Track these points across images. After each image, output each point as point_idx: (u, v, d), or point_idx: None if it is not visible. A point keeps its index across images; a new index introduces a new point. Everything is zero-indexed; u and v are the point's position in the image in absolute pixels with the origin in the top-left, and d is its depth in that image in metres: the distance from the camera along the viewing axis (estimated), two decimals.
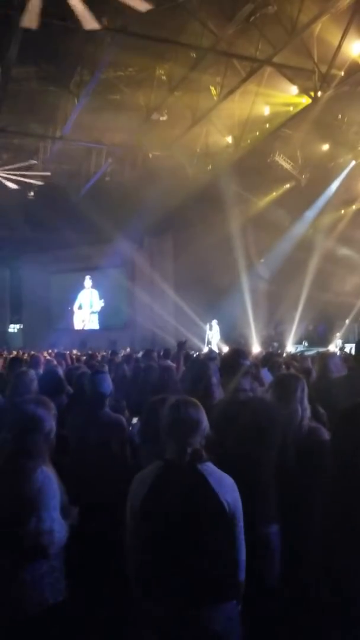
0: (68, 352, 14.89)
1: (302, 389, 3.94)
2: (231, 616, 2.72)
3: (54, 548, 2.93)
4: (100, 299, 29.59)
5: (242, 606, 2.89)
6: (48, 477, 2.98)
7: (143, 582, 2.75)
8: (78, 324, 30.37)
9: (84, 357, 13.34)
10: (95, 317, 30.05)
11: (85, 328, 29.89)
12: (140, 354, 13.25)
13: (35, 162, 18.71)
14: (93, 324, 30.14)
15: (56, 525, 2.93)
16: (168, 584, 2.66)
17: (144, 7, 8.86)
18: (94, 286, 29.93)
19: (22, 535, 2.86)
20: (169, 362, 9.71)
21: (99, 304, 29.70)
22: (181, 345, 9.44)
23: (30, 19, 8.66)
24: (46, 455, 3.04)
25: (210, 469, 2.76)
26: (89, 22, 9.00)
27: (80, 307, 30.44)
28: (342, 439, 2.47)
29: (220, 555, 2.71)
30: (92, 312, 30.04)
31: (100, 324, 29.86)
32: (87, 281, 30.08)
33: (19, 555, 2.90)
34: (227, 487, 2.75)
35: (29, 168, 18.49)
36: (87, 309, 30.23)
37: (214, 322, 22.94)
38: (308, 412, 3.93)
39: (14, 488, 2.90)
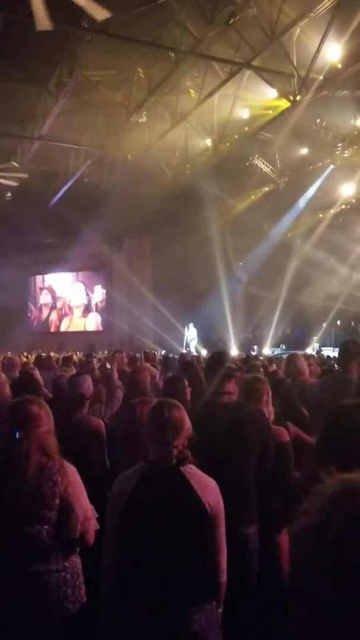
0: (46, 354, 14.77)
1: (268, 392, 4.03)
2: (210, 617, 2.72)
3: (94, 534, 3.00)
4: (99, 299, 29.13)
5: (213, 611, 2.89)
6: (73, 469, 3.05)
7: (123, 582, 2.74)
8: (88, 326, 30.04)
9: (61, 360, 13.22)
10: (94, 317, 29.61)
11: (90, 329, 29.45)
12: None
13: (12, 162, 18.55)
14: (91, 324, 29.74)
15: (94, 512, 3.04)
16: (149, 584, 2.67)
17: (102, 15, 8.97)
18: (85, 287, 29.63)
19: (72, 527, 2.91)
20: (148, 365, 9.69)
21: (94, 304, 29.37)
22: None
23: (42, 21, 8.66)
24: (57, 451, 3.05)
25: (193, 471, 2.77)
26: (98, 12, 8.97)
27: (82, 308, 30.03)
28: (326, 439, 2.46)
29: (201, 556, 2.73)
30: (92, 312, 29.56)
31: (77, 326, 29.67)
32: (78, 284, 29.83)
33: (66, 550, 2.95)
34: (210, 490, 2.76)
35: (6, 168, 18.33)
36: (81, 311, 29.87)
37: (190, 325, 22.94)
38: (272, 415, 4.01)
39: (50, 484, 2.91)
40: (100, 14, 9.07)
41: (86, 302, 29.33)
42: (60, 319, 30.06)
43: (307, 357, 10.80)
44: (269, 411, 4.04)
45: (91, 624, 3.04)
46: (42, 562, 2.89)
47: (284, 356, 14.99)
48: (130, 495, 2.72)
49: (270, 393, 4.11)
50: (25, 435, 2.97)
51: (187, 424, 2.84)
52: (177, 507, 2.68)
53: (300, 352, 11.40)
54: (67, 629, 2.89)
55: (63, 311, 30.04)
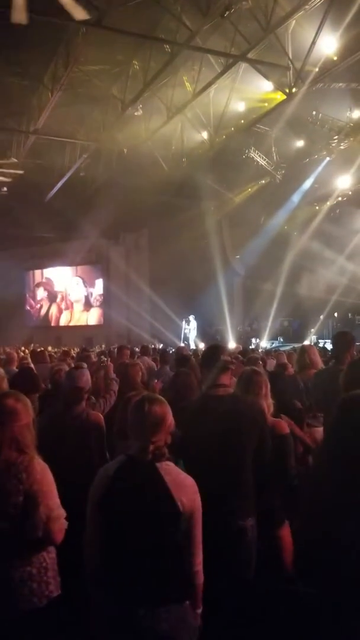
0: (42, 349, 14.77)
1: (267, 385, 4.04)
2: (182, 618, 2.67)
3: (61, 534, 2.96)
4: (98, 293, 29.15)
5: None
6: (45, 467, 3.01)
7: (96, 578, 2.75)
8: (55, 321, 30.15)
9: (58, 355, 13.24)
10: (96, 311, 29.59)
11: (90, 323, 29.47)
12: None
13: (7, 156, 18.54)
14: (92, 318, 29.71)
15: (61, 511, 2.98)
16: (119, 580, 2.66)
17: (81, 15, 9.01)
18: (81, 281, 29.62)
19: (33, 526, 2.88)
20: (146, 359, 9.73)
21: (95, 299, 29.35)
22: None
23: (19, 14, 8.64)
24: (34, 447, 3.03)
25: (169, 467, 2.74)
26: (78, 12, 9.00)
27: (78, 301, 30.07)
28: (340, 428, 2.47)
29: (173, 555, 2.68)
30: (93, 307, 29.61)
31: (76, 320, 29.67)
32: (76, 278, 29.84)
33: (32, 547, 2.93)
34: (184, 487, 2.71)
35: (2, 163, 18.33)
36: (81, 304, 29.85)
37: (191, 318, 22.92)
38: (272, 408, 4.02)
39: (15, 481, 2.89)
40: (80, 14, 9.12)
41: (85, 296, 29.32)
42: (59, 313, 30.08)
43: None
44: (268, 404, 4.03)
45: (62, 618, 3.03)
46: (4, 558, 2.88)
47: (282, 349, 15.11)
48: (105, 488, 2.72)
49: (268, 386, 4.11)
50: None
51: (169, 420, 2.80)
52: (148, 503, 2.66)
53: (297, 345, 11.39)
54: (34, 623, 2.88)
55: (62, 305, 30.05)
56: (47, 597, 2.94)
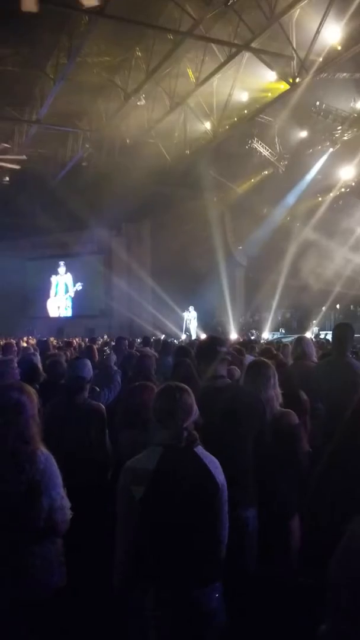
0: (46, 339, 14.78)
1: (274, 375, 4.02)
2: (219, 594, 2.80)
3: (65, 524, 2.99)
4: (75, 284, 29.30)
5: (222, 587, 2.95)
6: (48, 457, 3.02)
7: (144, 567, 2.75)
8: (53, 311, 30.19)
9: (61, 345, 13.25)
10: (70, 303, 29.78)
11: (61, 315, 29.67)
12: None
13: (9, 146, 18.47)
14: (67, 310, 29.89)
15: (65, 502, 3.00)
16: (170, 567, 2.71)
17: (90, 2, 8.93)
18: (68, 271, 29.64)
19: (35, 516, 2.90)
20: (147, 350, 9.72)
21: (73, 289, 29.43)
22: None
23: (29, 2, 8.57)
24: (38, 437, 3.04)
25: (203, 451, 2.85)
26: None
27: (55, 294, 30.22)
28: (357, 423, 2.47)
29: (213, 535, 2.81)
30: (67, 298, 29.75)
31: (76, 311, 29.62)
32: (61, 267, 29.84)
33: (35, 537, 2.94)
34: (219, 468, 2.85)
35: (4, 152, 18.24)
36: (62, 295, 30.01)
37: (191, 308, 22.88)
38: (280, 398, 4.00)
39: (19, 472, 2.90)
40: (88, 1, 9.04)
41: (86, 286, 29.29)
42: (60, 303, 30.07)
43: None
44: (277, 394, 4.00)
45: (66, 609, 3.08)
46: (8, 549, 2.88)
47: (284, 340, 15.07)
48: (151, 478, 2.72)
49: (276, 376, 4.09)
50: (5, 422, 2.96)
51: (195, 407, 2.89)
52: (197, 487, 2.75)
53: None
54: (37, 614, 2.90)
55: (63, 296, 30.02)
56: (51, 588, 2.96)
